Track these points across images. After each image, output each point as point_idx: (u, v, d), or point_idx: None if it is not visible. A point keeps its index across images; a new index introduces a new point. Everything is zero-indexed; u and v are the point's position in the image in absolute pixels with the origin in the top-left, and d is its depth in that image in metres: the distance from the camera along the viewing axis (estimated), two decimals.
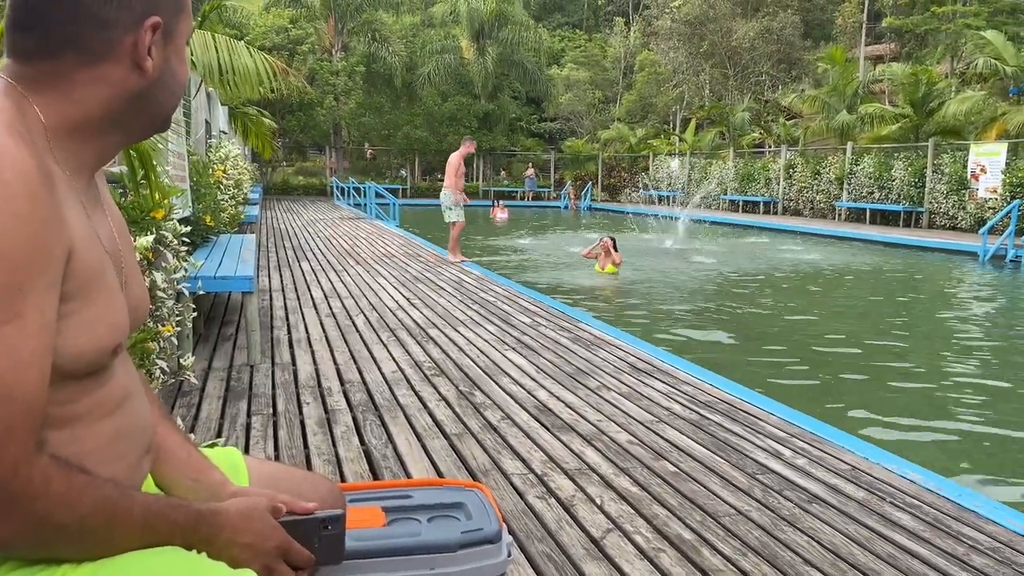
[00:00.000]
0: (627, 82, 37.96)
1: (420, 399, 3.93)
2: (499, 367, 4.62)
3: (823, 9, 34.58)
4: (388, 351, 4.97)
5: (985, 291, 11.39)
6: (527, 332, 5.65)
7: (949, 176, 18.30)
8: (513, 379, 4.36)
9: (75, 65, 0.89)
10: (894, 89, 24.33)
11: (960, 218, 18.03)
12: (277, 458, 3.07)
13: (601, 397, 4.02)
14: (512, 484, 2.85)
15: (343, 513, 1.09)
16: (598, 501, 2.72)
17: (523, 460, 3.10)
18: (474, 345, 5.19)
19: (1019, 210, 14.36)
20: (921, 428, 4.82)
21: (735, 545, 2.41)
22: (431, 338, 5.38)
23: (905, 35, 30.10)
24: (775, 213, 24.17)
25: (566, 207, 31.10)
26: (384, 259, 10.15)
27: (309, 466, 2.97)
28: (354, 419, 3.58)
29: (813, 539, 2.46)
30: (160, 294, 2.76)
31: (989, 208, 16.81)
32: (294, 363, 4.62)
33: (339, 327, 5.70)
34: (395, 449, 3.19)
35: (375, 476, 2.91)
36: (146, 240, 2.64)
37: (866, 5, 30.69)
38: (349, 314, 6.22)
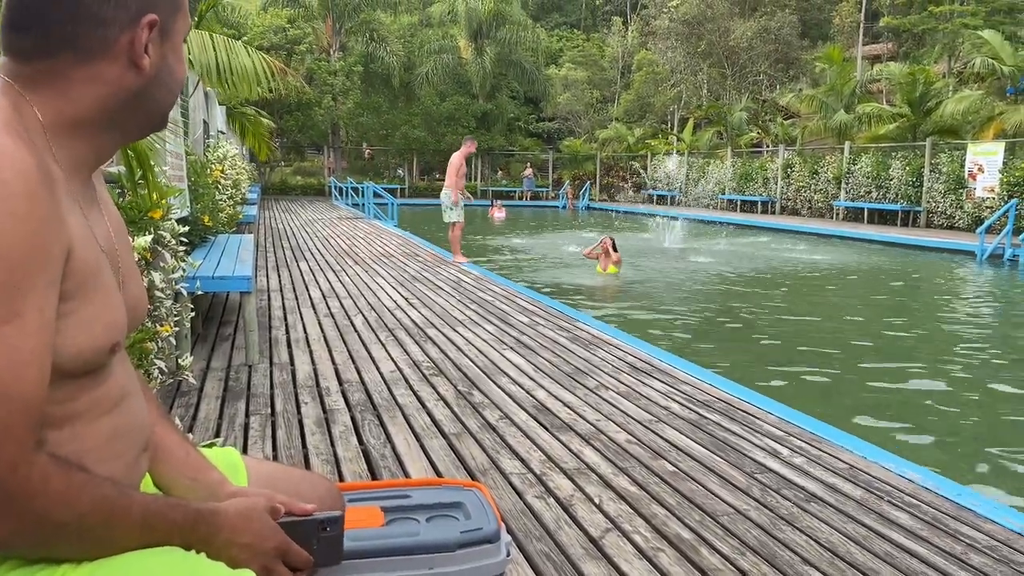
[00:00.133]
0: (625, 82, 37.98)
1: (418, 399, 3.92)
2: (497, 367, 4.62)
3: (820, 9, 34.61)
4: (386, 351, 4.97)
5: (982, 290, 11.41)
6: (525, 332, 5.65)
7: (947, 175, 18.33)
8: (511, 379, 4.36)
9: (72, 64, 0.89)
10: (892, 89, 24.37)
11: (958, 217, 18.05)
12: (275, 458, 3.07)
13: (600, 396, 4.02)
14: (511, 484, 2.85)
15: (341, 515, 1.09)
16: (597, 500, 2.72)
17: (522, 460, 3.11)
18: (472, 345, 5.19)
19: (1016, 209, 14.39)
20: (919, 427, 4.83)
21: (733, 544, 2.41)
22: (429, 338, 5.38)
23: (903, 34, 30.13)
24: (773, 213, 24.19)
25: (564, 207, 31.12)
26: (382, 259, 10.15)
27: (307, 466, 2.97)
28: (352, 419, 3.58)
29: (811, 538, 2.47)
30: (158, 294, 2.76)
31: (986, 207, 16.83)
32: (292, 363, 4.62)
33: (337, 327, 5.69)
34: (393, 449, 3.19)
35: (373, 476, 2.90)
36: (144, 240, 2.64)
37: (864, 5, 30.74)
38: (347, 314, 6.22)
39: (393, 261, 9.92)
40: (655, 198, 26.63)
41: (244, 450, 3.13)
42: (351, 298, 7.00)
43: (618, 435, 3.43)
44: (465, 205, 10.31)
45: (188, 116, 7.65)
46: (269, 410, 3.70)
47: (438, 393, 4.04)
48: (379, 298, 7.02)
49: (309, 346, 5.06)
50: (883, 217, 20.39)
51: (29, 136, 0.85)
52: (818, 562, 2.30)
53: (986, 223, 14.31)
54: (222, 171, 8.27)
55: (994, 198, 16.69)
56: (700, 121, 32.16)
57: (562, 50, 41.42)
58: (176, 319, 3.09)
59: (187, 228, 3.60)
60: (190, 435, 3.22)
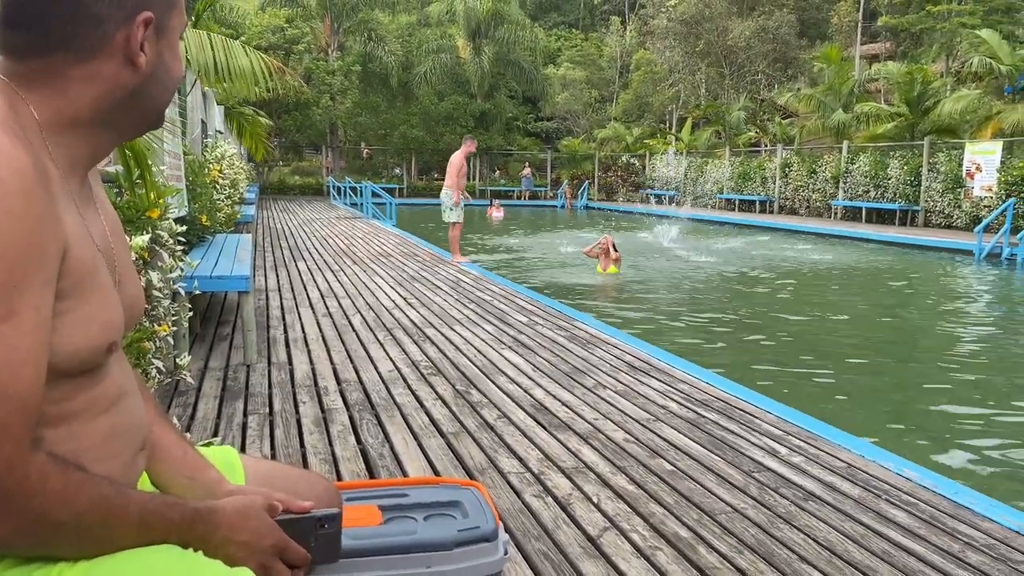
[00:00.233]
0: (623, 81, 37.98)
1: (417, 398, 3.92)
2: (496, 366, 4.63)
3: (819, 8, 34.62)
4: (385, 350, 4.97)
5: (980, 289, 11.42)
6: (524, 331, 5.65)
7: (945, 175, 18.34)
8: (510, 378, 4.36)
9: (68, 62, 0.89)
10: (889, 88, 24.39)
11: (956, 216, 18.07)
12: (273, 457, 3.07)
13: (598, 396, 4.03)
14: (509, 483, 2.85)
15: (339, 512, 1.09)
16: (595, 499, 2.72)
17: (520, 459, 3.11)
18: (471, 344, 5.19)
19: (1014, 208, 14.40)
20: (917, 426, 4.84)
21: (731, 543, 2.41)
22: (428, 337, 5.38)
23: (900, 34, 30.15)
24: (771, 212, 24.20)
25: (562, 206, 31.12)
26: (381, 258, 10.15)
27: (306, 465, 2.97)
28: (351, 418, 3.58)
29: (809, 536, 2.47)
30: (156, 293, 2.76)
31: (984, 206, 16.85)
32: (290, 363, 4.62)
33: (335, 327, 5.69)
34: (392, 448, 3.19)
35: (371, 475, 2.90)
36: (142, 239, 2.64)
37: (862, 4, 30.74)
38: (345, 313, 6.22)
39: (391, 261, 9.91)
40: (653, 198, 26.64)
41: (242, 449, 3.13)
42: (349, 298, 7.00)
43: (616, 434, 3.43)
44: (464, 205, 10.32)
45: (186, 115, 7.64)
46: (267, 410, 3.70)
47: (436, 392, 4.04)
48: (377, 298, 7.02)
49: (307, 346, 5.06)
50: (881, 216, 20.41)
51: (25, 135, 0.85)
52: (816, 560, 2.31)
53: (984, 222, 14.32)
54: (220, 171, 8.26)
55: (992, 197, 16.71)
56: (698, 120, 32.18)
57: (560, 49, 41.41)
58: (174, 319, 3.09)
59: (185, 228, 3.61)
60: (188, 435, 3.22)
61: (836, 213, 21.75)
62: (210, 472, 1.10)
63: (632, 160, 32.35)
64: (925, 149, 19.10)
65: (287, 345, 5.07)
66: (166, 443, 1.10)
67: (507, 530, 2.39)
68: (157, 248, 2.96)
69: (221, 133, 13.48)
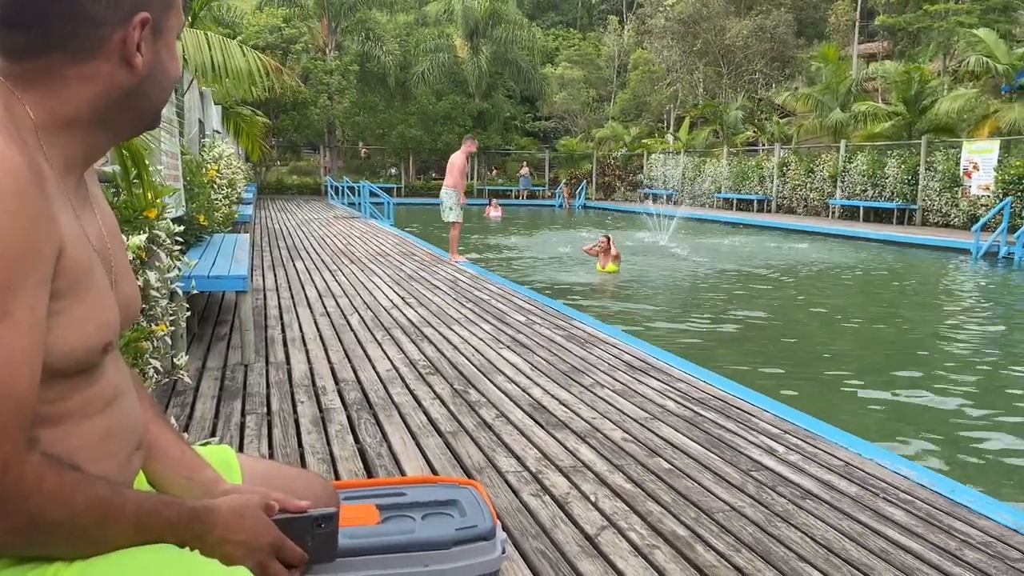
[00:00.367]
0: (621, 81, 38.00)
1: (415, 397, 3.93)
2: (494, 365, 4.63)
3: (816, 7, 34.64)
4: (383, 350, 4.97)
5: (978, 288, 11.44)
6: (522, 330, 5.65)
7: (942, 174, 18.37)
8: (508, 377, 4.36)
9: (64, 62, 0.89)
10: (887, 87, 24.38)
11: (953, 215, 18.09)
12: (271, 457, 3.07)
13: (595, 395, 4.03)
14: (507, 482, 2.86)
15: (336, 511, 1.09)
16: (592, 498, 2.72)
17: (517, 458, 3.11)
18: (469, 343, 5.19)
19: (1011, 207, 14.42)
20: (914, 424, 4.84)
21: (729, 541, 2.42)
22: (426, 337, 5.38)
23: (898, 33, 30.17)
24: (769, 211, 24.22)
25: (560, 206, 31.13)
26: (378, 258, 10.14)
27: (304, 465, 2.97)
28: (348, 418, 3.58)
29: (806, 535, 2.47)
30: (154, 293, 2.76)
31: (982, 205, 16.87)
32: (288, 362, 4.62)
33: (333, 326, 5.69)
34: (390, 447, 3.19)
35: (369, 474, 2.90)
36: (139, 239, 2.64)
37: (859, 3, 30.76)
38: (343, 313, 6.21)
39: (389, 260, 9.91)
40: (651, 197, 26.66)
41: (240, 449, 3.12)
42: (347, 297, 7.00)
43: (614, 433, 3.43)
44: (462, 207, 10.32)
45: (183, 115, 7.63)
46: (265, 409, 3.70)
47: (434, 392, 4.04)
48: (375, 297, 7.02)
49: (305, 345, 5.06)
50: (879, 215, 20.43)
51: (20, 135, 0.85)
52: (813, 559, 2.31)
53: (981, 221, 14.34)
54: (217, 170, 8.25)
55: (989, 196, 16.73)
56: (696, 120, 32.19)
57: (558, 49, 41.41)
58: (172, 318, 3.09)
59: (182, 227, 3.60)
60: (186, 435, 3.22)
61: (834, 212, 21.77)
62: (207, 472, 1.10)
63: (630, 160, 32.36)
64: (922, 148, 19.12)
65: (285, 345, 5.07)
66: (163, 443, 1.10)
67: (505, 529, 2.40)
68: (154, 248, 2.96)
69: (219, 133, 13.46)
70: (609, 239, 11.22)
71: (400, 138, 33.55)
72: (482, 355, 4.87)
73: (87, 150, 0.95)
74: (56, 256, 0.83)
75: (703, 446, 3.28)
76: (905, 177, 19.40)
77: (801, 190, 23.18)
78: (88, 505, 0.84)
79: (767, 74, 32.20)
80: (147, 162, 3.04)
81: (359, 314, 6.17)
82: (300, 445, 3.21)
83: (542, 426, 3.51)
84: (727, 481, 2.90)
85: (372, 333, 5.46)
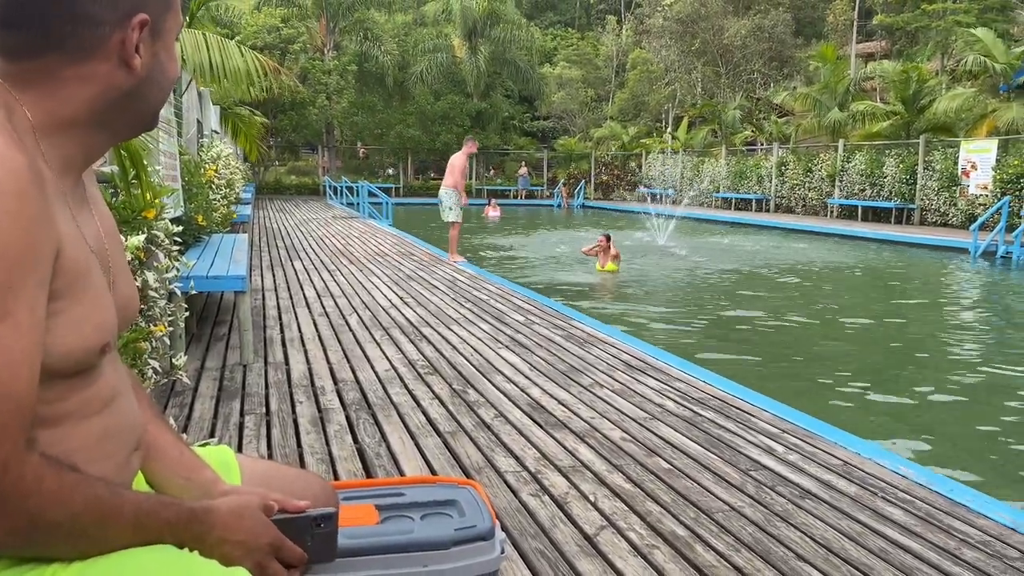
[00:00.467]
0: (619, 80, 38.01)
1: (413, 397, 3.92)
2: (492, 365, 4.63)
3: (814, 7, 34.67)
4: (381, 350, 4.97)
5: (976, 287, 11.45)
6: (520, 330, 5.65)
7: (940, 173, 18.38)
8: (506, 377, 4.36)
9: (62, 63, 0.89)
10: (885, 86, 24.39)
11: (951, 215, 18.11)
12: (270, 457, 3.07)
13: (594, 394, 4.03)
14: (505, 481, 2.86)
15: (335, 511, 1.09)
16: (591, 498, 2.72)
17: (516, 458, 3.11)
18: (467, 343, 5.19)
19: (1009, 206, 14.43)
20: (913, 423, 4.85)
21: (728, 541, 2.42)
22: (424, 336, 5.37)
23: (896, 32, 30.20)
24: (767, 211, 24.24)
25: (559, 205, 31.14)
26: (377, 258, 10.14)
27: (302, 465, 2.97)
28: (347, 418, 3.58)
29: (806, 534, 2.47)
30: (152, 294, 2.76)
31: (980, 204, 16.89)
32: (287, 362, 4.61)
33: (332, 326, 5.69)
34: (388, 447, 3.19)
35: (368, 475, 2.90)
36: (137, 240, 2.64)
37: (857, 3, 30.79)
38: (342, 313, 6.21)
39: (388, 260, 9.91)
40: (650, 196, 26.68)
41: (239, 450, 3.12)
42: (346, 297, 6.99)
43: (613, 433, 3.43)
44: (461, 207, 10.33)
45: (181, 115, 7.63)
46: (264, 410, 3.69)
47: (433, 392, 4.04)
48: (374, 297, 7.01)
49: (304, 345, 5.06)
50: (877, 215, 20.44)
51: (19, 136, 0.85)
52: (812, 558, 2.31)
53: (979, 220, 14.35)
54: (216, 171, 8.25)
55: (987, 195, 16.75)
56: (694, 119, 32.20)
57: (556, 49, 41.42)
58: (170, 319, 3.08)
59: (181, 228, 3.59)
60: (185, 435, 3.22)
61: (832, 211, 21.79)
62: (206, 472, 1.10)
63: (628, 160, 32.37)
64: (921, 147, 19.14)
65: (284, 345, 5.07)
66: (162, 443, 1.10)
67: (504, 529, 2.39)
68: (153, 248, 2.96)
69: (217, 133, 13.45)
70: (608, 238, 11.22)
71: (398, 138, 33.54)
72: (481, 355, 4.87)
73: (85, 151, 0.95)
74: (55, 257, 0.83)
75: (702, 446, 3.28)
76: (903, 176, 19.42)
77: (799, 189, 23.19)
78: (87, 506, 0.84)
79: (765, 74, 32.22)
80: (145, 162, 3.04)
81: (358, 314, 6.17)
82: (299, 445, 3.21)
83: (541, 426, 3.51)
84: (726, 481, 2.90)
85: (371, 333, 5.46)
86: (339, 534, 1.10)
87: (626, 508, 2.65)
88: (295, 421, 3.52)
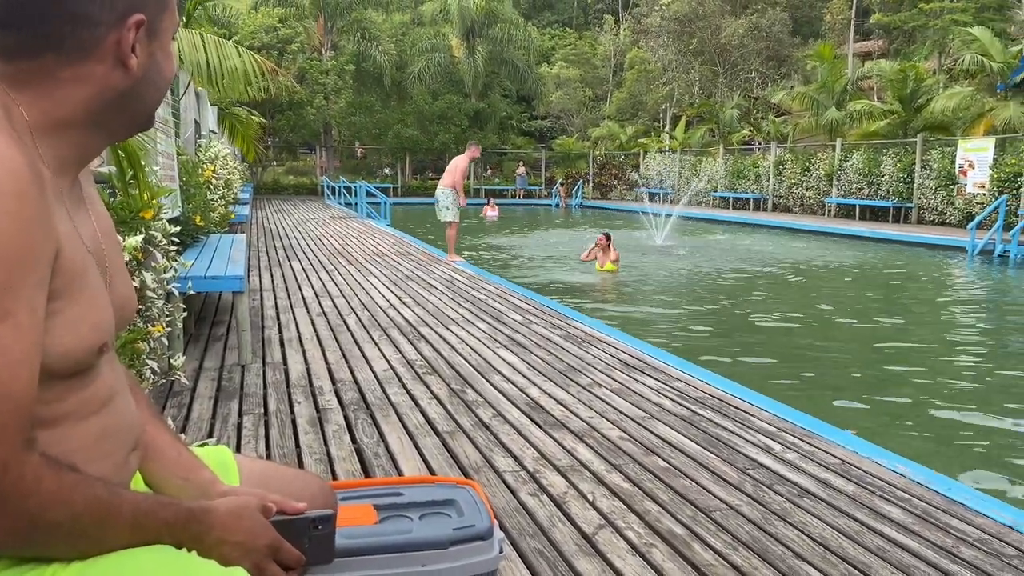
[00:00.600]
0: (617, 80, 38.00)
1: (412, 397, 3.92)
2: (491, 365, 4.63)
3: (812, 6, 34.68)
4: (380, 350, 4.97)
5: (973, 286, 11.46)
6: (519, 330, 5.65)
7: (937, 172, 18.40)
8: (505, 377, 4.36)
9: (59, 63, 0.89)
10: (882, 85, 24.41)
11: (949, 213, 18.12)
12: (269, 457, 3.06)
13: (592, 394, 4.03)
14: (504, 481, 2.86)
15: (333, 513, 1.09)
16: (590, 497, 2.72)
17: (515, 457, 3.11)
18: (466, 343, 5.19)
19: (1006, 205, 14.45)
20: (911, 422, 4.85)
21: (726, 539, 2.42)
22: (423, 336, 5.37)
23: (893, 32, 30.23)
24: (765, 210, 24.24)
25: (557, 205, 31.15)
26: (375, 258, 10.14)
27: (301, 465, 2.97)
28: (345, 418, 3.58)
29: (803, 533, 2.48)
30: (150, 294, 2.75)
31: (977, 203, 16.90)
32: (285, 363, 4.61)
33: (330, 326, 5.69)
34: (387, 447, 3.19)
35: (367, 474, 2.90)
36: (135, 240, 2.63)
37: (854, 2, 30.81)
38: (340, 313, 6.21)
39: (386, 260, 9.91)
40: (647, 196, 26.71)
41: (237, 450, 3.12)
42: (344, 297, 6.99)
43: (611, 432, 3.43)
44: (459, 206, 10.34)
45: (179, 116, 7.62)
46: (262, 410, 3.69)
47: (431, 391, 4.04)
48: (372, 297, 7.01)
49: (302, 345, 5.06)
50: (875, 214, 20.46)
51: (18, 135, 0.85)
52: (810, 557, 2.32)
53: (977, 219, 14.37)
54: (214, 171, 8.24)
55: (984, 194, 16.76)
56: (692, 119, 32.20)
57: (554, 48, 41.41)
58: (168, 319, 3.08)
59: (179, 228, 3.59)
60: (183, 435, 3.22)
61: (830, 211, 21.80)
62: (204, 473, 1.10)
63: (625, 160, 32.37)
64: (918, 146, 19.16)
65: (282, 345, 5.07)
66: (160, 444, 1.10)
67: (502, 528, 2.40)
68: (151, 249, 2.96)
69: (215, 133, 13.44)
70: (608, 237, 11.21)
71: (396, 138, 33.52)
72: (479, 355, 4.87)
73: (81, 151, 0.95)
74: (53, 257, 0.83)
75: (700, 445, 3.29)
76: (901, 175, 19.44)
77: (797, 189, 23.20)
78: (86, 506, 0.84)
79: (763, 73, 32.22)
80: (143, 163, 3.04)
81: (356, 314, 6.17)
82: (297, 445, 3.21)
83: (539, 425, 3.52)
84: (724, 480, 2.91)
85: (369, 333, 5.46)
86: (338, 533, 1.10)
87: (624, 507, 2.65)
88: (293, 421, 3.52)
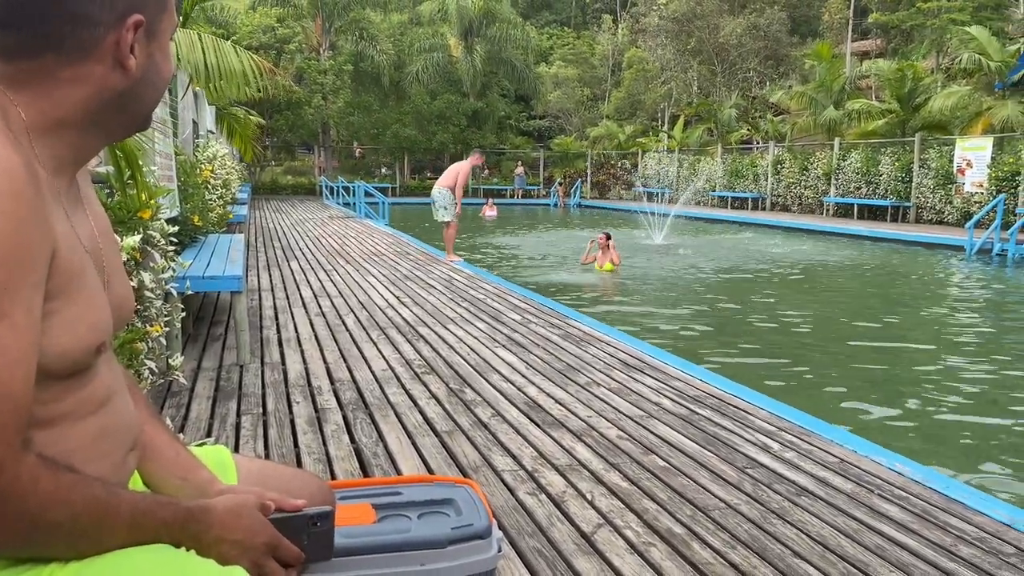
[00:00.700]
0: (615, 79, 38.00)
1: (410, 397, 3.92)
2: (489, 364, 4.63)
3: (810, 5, 34.71)
4: (378, 349, 4.97)
5: (971, 285, 11.47)
6: (517, 329, 5.66)
7: (935, 171, 18.42)
8: (503, 376, 4.36)
9: (58, 64, 0.89)
10: (880, 85, 24.44)
11: (947, 213, 18.14)
12: (267, 457, 3.06)
13: (591, 393, 4.03)
14: (503, 480, 2.86)
15: (332, 510, 1.09)
16: (588, 496, 2.73)
17: (513, 456, 3.11)
18: (464, 343, 5.19)
19: (1004, 204, 14.47)
20: (909, 421, 4.86)
21: (725, 538, 2.42)
22: (421, 336, 5.37)
23: (891, 31, 30.26)
24: (763, 209, 24.26)
25: (555, 204, 31.15)
26: (374, 258, 10.13)
27: (299, 465, 2.97)
28: (344, 418, 3.58)
29: (802, 531, 2.48)
30: (148, 294, 2.75)
31: (975, 202, 16.92)
32: (284, 362, 4.61)
33: (329, 326, 5.68)
34: (385, 447, 3.19)
35: (365, 474, 2.90)
36: (133, 240, 2.63)
37: (852, 1, 30.84)
38: (339, 313, 6.21)
39: (385, 260, 9.90)
40: (646, 195, 26.73)
41: (236, 450, 3.13)
42: (342, 297, 6.99)
43: (609, 431, 3.44)
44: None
45: (177, 116, 7.62)
46: (261, 410, 3.69)
47: (430, 391, 4.04)
48: (370, 297, 7.01)
49: (300, 345, 5.05)
50: (873, 213, 20.48)
51: (15, 136, 0.85)
52: (809, 555, 2.32)
53: (975, 218, 14.39)
54: (212, 171, 8.23)
55: (982, 193, 16.78)
56: (690, 118, 32.22)
57: (552, 48, 41.41)
58: (166, 319, 3.08)
59: (177, 228, 3.59)
60: (181, 435, 3.22)
61: (828, 210, 21.82)
62: (202, 472, 1.10)
63: (623, 160, 32.37)
64: (916, 146, 19.18)
65: (280, 345, 5.06)
66: (158, 444, 1.10)
67: (501, 528, 2.40)
68: (149, 249, 2.96)
69: (213, 133, 13.43)
70: (609, 236, 11.20)
71: (395, 138, 33.51)
72: (478, 354, 4.87)
73: (78, 151, 0.95)
74: (50, 257, 0.83)
75: (699, 444, 3.29)
76: (899, 174, 19.46)
77: (795, 188, 23.22)
78: (84, 506, 0.84)
79: (761, 72, 32.23)
80: (141, 163, 3.03)
81: (354, 314, 6.17)
82: (296, 445, 3.21)
83: (538, 425, 3.52)
84: (723, 479, 2.91)
85: (367, 333, 5.46)
86: (336, 533, 1.10)
87: (623, 506, 2.65)
88: (292, 421, 3.52)
